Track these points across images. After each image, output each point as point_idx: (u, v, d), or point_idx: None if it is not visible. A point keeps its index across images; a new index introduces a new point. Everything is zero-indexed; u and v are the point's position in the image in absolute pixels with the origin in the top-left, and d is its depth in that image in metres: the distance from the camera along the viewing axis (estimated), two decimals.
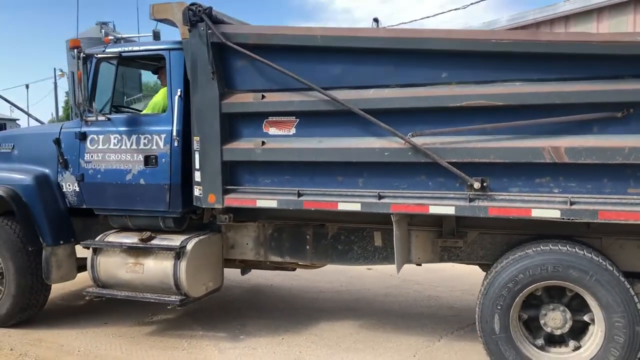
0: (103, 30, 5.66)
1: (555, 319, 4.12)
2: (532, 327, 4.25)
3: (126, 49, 5.36)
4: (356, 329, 5.46)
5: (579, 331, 4.16)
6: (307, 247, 5.24)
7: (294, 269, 6.02)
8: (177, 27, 4.90)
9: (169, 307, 5.13)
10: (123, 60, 5.41)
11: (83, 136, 5.33)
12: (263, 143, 4.63)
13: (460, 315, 5.89)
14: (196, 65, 4.75)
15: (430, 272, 6.97)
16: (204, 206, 4.89)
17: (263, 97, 4.62)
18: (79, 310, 6.16)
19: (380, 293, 6.80)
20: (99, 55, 5.29)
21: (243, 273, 6.11)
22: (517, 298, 4.07)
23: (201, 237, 5.15)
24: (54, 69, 36.20)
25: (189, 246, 4.99)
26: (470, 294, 6.69)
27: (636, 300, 3.84)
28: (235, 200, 4.78)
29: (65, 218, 5.56)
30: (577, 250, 3.96)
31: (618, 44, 3.77)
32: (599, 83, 3.77)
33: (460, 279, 7.08)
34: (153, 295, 5.06)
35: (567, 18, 12.79)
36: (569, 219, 3.88)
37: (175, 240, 5.09)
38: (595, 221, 3.86)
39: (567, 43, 3.87)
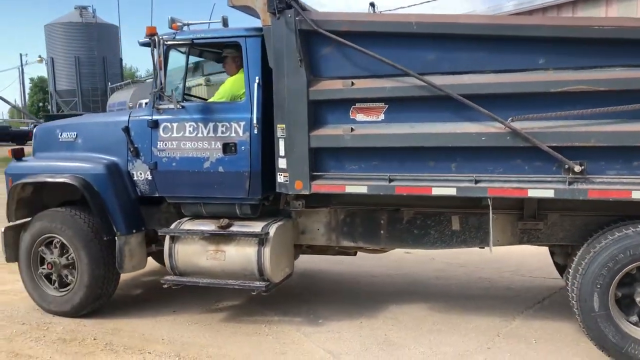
0: (170, 17, 5.54)
1: None
2: (624, 304, 4.40)
3: (199, 35, 5.31)
4: (428, 312, 5.56)
5: None
6: (381, 231, 5.30)
7: (355, 254, 6.07)
8: (247, 14, 4.91)
9: (253, 293, 5.16)
10: (193, 48, 5.36)
11: (155, 124, 5.28)
12: (352, 129, 4.66)
13: (521, 296, 6.04)
14: (281, 53, 4.74)
15: (469, 254, 7.05)
16: (289, 192, 4.91)
17: (352, 84, 4.64)
18: (138, 299, 6.14)
19: (432, 276, 6.91)
20: (170, 42, 5.23)
21: None
22: (617, 277, 4.21)
23: (280, 223, 5.18)
24: (20, 54, 35.26)
25: (272, 232, 5.02)
26: (519, 274, 6.90)
27: None
28: (322, 186, 4.81)
29: (136, 207, 5.53)
30: None
31: None
32: None
33: (500, 260, 7.22)
34: (236, 281, 5.08)
35: (574, 3, 13.00)
36: None
37: (255, 227, 5.11)
38: None
39: None
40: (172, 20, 5.48)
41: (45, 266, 5.55)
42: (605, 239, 4.26)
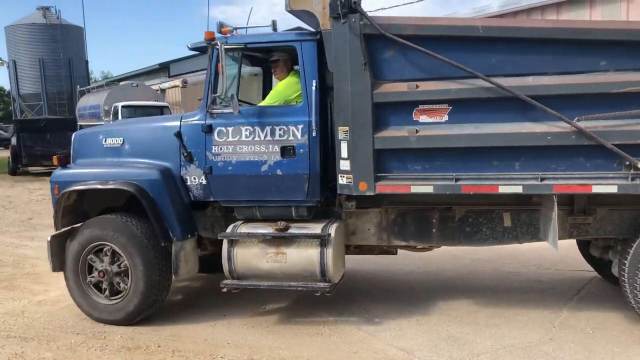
0: (218, 21, 5.54)
1: None
2: None
3: (252, 40, 5.33)
4: (475, 307, 5.72)
5: None
6: (433, 230, 5.44)
7: (397, 253, 6.18)
8: (300, 19, 4.97)
9: (316, 294, 5.20)
10: (245, 52, 5.39)
11: (209, 128, 5.27)
12: (417, 131, 4.78)
13: (556, 288, 6.28)
14: (344, 56, 4.82)
15: (489, 251, 7.27)
16: (353, 194, 4.99)
17: (417, 86, 4.76)
18: (183, 305, 6.09)
19: (463, 272, 7.10)
20: (225, 47, 5.22)
21: None
22: None
23: (337, 224, 5.25)
24: None
25: (332, 233, 5.09)
26: (544, 268, 7.14)
27: None
28: (387, 187, 4.91)
29: (189, 212, 5.51)
30: None
31: None
32: None
33: (522, 255, 7.49)
34: (298, 283, 5.13)
35: (558, 5, 13.46)
36: None
37: (314, 228, 5.17)
38: None
39: None
40: (221, 25, 5.50)
41: (94, 274, 5.46)
42: None
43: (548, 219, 4.87)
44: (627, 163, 4.44)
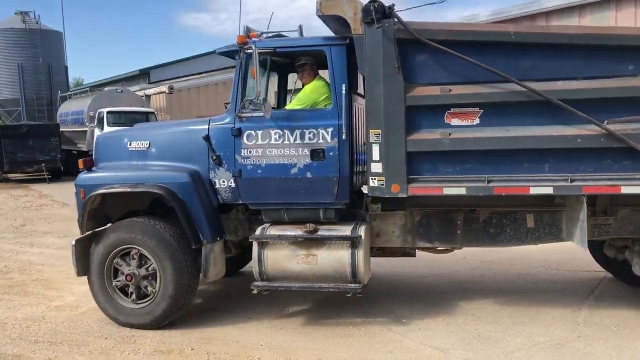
0: (245, 26, 5.57)
1: None
2: None
3: (282, 44, 5.38)
4: (498, 306, 5.83)
5: None
6: (458, 231, 5.54)
7: (415, 255, 6.25)
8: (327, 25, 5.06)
9: (348, 295, 5.23)
10: (273, 57, 5.43)
11: (238, 132, 5.30)
12: (449, 134, 4.88)
13: (570, 288, 6.43)
14: (377, 61, 4.90)
15: (494, 251, 7.40)
16: (386, 196, 5.06)
17: (450, 90, 4.86)
18: (205, 307, 6.06)
19: (475, 274, 7.22)
20: (248, 51, 5.24)
21: None
22: None
23: (365, 226, 5.31)
24: None
25: (362, 234, 5.15)
26: (553, 269, 7.32)
27: None
28: (419, 189, 4.99)
29: (217, 214, 5.52)
30: None
31: None
32: None
33: (527, 257, 7.63)
34: (329, 284, 5.17)
35: (548, 14, 13.74)
36: None
37: (343, 230, 5.23)
38: None
39: None
40: (249, 30, 5.52)
41: (120, 278, 5.42)
42: None
43: (575, 220, 5.00)
44: None
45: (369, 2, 4.88)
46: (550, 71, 4.75)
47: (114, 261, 5.43)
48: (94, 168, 5.66)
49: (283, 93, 6.60)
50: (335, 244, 5.16)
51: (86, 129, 21.73)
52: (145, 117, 21.54)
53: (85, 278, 5.57)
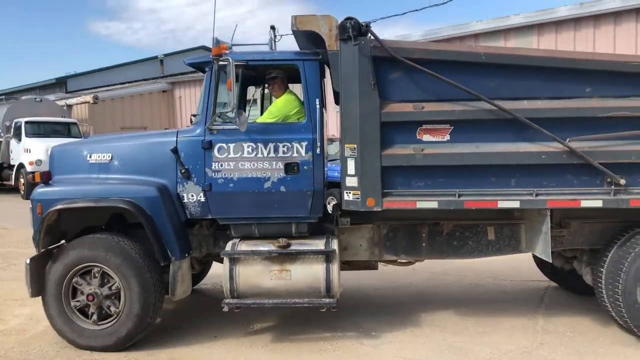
0: (215, 38, 5.46)
1: None
2: None
3: (254, 57, 5.34)
4: (460, 317, 6.01)
5: None
6: (423, 244, 5.69)
7: (377, 268, 6.33)
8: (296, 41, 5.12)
9: (322, 310, 5.22)
10: (244, 69, 5.37)
11: (209, 145, 5.19)
12: (422, 149, 5.02)
13: (520, 297, 6.76)
14: (352, 77, 4.98)
15: (442, 264, 7.66)
16: (361, 209, 5.11)
17: (423, 107, 5.00)
18: (164, 327, 5.83)
19: (429, 285, 7.42)
20: (223, 63, 5.16)
21: None
22: None
23: (336, 240, 5.33)
24: None
25: (336, 248, 5.17)
26: (500, 279, 7.65)
27: None
28: (394, 202, 5.09)
29: (185, 230, 5.35)
30: None
31: None
32: None
33: (473, 269, 7.92)
34: (303, 300, 5.13)
35: (476, 36, 14.52)
36: None
37: (317, 245, 5.23)
38: None
39: None
40: (218, 42, 5.44)
41: (80, 298, 5.12)
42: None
43: (537, 232, 5.27)
44: (609, 180, 4.95)
45: (345, 19, 4.95)
46: (517, 91, 5.01)
47: (73, 280, 5.13)
48: (50, 182, 5.33)
49: (243, 105, 6.53)
50: (309, 258, 5.14)
51: (1, 139, 20.39)
52: (67, 128, 20.55)
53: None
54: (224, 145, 5.19)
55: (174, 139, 5.27)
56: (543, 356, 4.96)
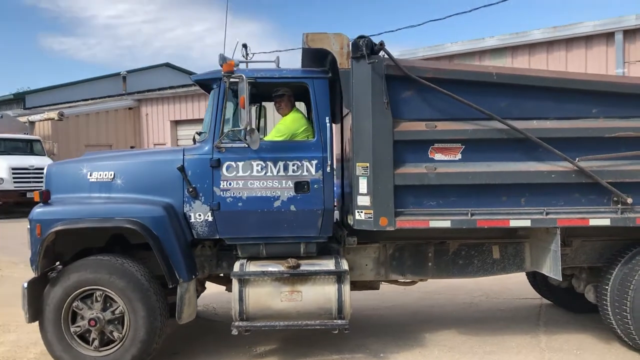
0: (221, 54, 5.36)
1: None
2: None
3: (263, 75, 5.25)
4: (463, 337, 5.98)
5: None
6: (429, 263, 5.67)
7: (379, 288, 6.27)
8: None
9: (335, 332, 5.11)
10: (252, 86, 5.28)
11: (217, 163, 5.06)
12: (435, 168, 5.01)
13: (517, 315, 6.81)
14: (364, 95, 4.95)
15: (432, 283, 7.57)
16: (374, 229, 5.05)
17: (435, 126, 5.01)
18: (164, 353, 5.61)
19: (424, 304, 7.40)
20: (233, 80, 5.05)
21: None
22: None
23: (344, 260, 5.26)
24: None
25: (347, 268, 5.09)
26: (492, 297, 7.70)
27: None
28: (407, 222, 5.05)
29: (191, 251, 5.18)
30: None
31: None
32: None
33: (466, 286, 7.94)
34: (314, 321, 5.02)
35: (451, 57, 14.77)
36: None
37: (326, 265, 5.15)
38: None
39: None
40: (225, 59, 5.35)
41: (80, 323, 4.88)
42: None
43: (545, 251, 5.31)
44: (616, 199, 5.04)
45: (358, 37, 4.94)
46: (526, 111, 5.07)
47: (74, 304, 4.89)
48: (49, 201, 5.08)
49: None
50: (321, 279, 5.04)
51: None
52: (29, 145, 19.92)
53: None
54: (233, 163, 5.07)
55: (181, 157, 5.12)
56: None
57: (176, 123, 22.85)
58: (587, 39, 12.23)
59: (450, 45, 14.49)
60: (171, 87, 22.93)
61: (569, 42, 12.48)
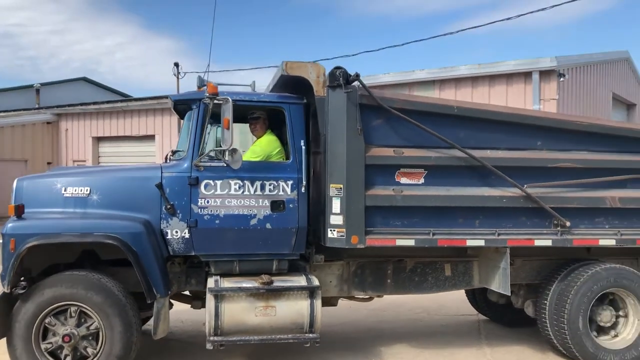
0: (199, 76, 5.53)
1: (605, 315, 5.91)
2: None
3: (241, 97, 5.47)
4: (417, 350, 6.38)
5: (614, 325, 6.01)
6: (388, 280, 6.07)
7: (336, 305, 6.58)
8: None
9: (306, 345, 5.33)
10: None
11: (195, 181, 5.22)
12: (402, 191, 5.44)
13: (460, 330, 7.33)
14: (339, 121, 5.31)
15: (375, 301, 8.01)
16: (345, 246, 5.36)
17: (403, 152, 5.45)
18: None
19: (373, 321, 7.76)
20: (212, 102, 5.23)
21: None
22: (591, 303, 5.75)
23: (314, 276, 5.54)
24: None
25: (319, 284, 5.37)
26: (433, 314, 8.20)
27: None
28: (376, 240, 5.42)
29: (166, 267, 5.26)
30: (625, 267, 5.87)
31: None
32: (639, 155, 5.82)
33: (406, 303, 8.42)
34: (287, 335, 5.23)
35: (383, 87, 15.51)
36: (620, 246, 5.78)
37: (298, 281, 5.40)
38: (634, 246, 5.84)
39: (622, 129, 5.84)
40: (202, 81, 5.55)
41: (52, 339, 4.83)
42: (582, 275, 5.77)
43: (495, 268, 5.85)
44: (556, 222, 5.68)
45: (335, 68, 5.31)
46: (481, 141, 5.62)
47: (46, 320, 4.83)
48: (23, 216, 5.00)
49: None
50: (294, 294, 5.27)
51: None
52: None
53: None
54: (211, 182, 5.24)
55: (159, 174, 5.22)
56: None
57: (98, 139, 22.15)
58: (508, 77, 13.32)
59: (382, 76, 15.22)
60: (95, 103, 22.22)
61: (492, 78, 13.53)
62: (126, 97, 30.00)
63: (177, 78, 18.28)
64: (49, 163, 22.94)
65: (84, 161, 22.22)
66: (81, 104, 22.85)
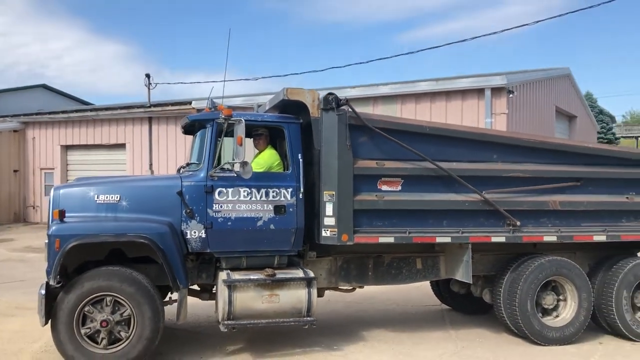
0: (211, 99, 6.46)
1: (549, 299, 7.11)
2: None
3: (251, 118, 6.43)
4: (394, 334, 7.43)
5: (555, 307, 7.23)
6: (369, 273, 7.12)
7: (323, 295, 7.58)
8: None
9: (305, 327, 6.31)
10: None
11: (211, 189, 6.14)
12: (383, 197, 6.50)
13: (426, 318, 8.44)
14: (331, 139, 6.34)
15: (350, 294, 9.02)
16: (337, 244, 6.37)
17: (384, 164, 6.51)
18: None
19: (351, 311, 8.78)
20: (227, 122, 6.15)
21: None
22: (538, 288, 6.94)
23: (309, 270, 6.53)
24: None
25: (314, 276, 6.36)
26: (402, 305, 9.29)
27: (590, 284, 7.13)
28: (362, 238, 6.45)
29: (185, 262, 6.15)
30: (565, 258, 7.10)
31: (577, 147, 7.17)
32: (575, 166, 7.07)
33: (376, 296, 9.49)
34: (288, 319, 6.20)
35: (348, 100, 16.57)
36: (560, 241, 7.00)
37: (297, 273, 6.37)
38: (571, 242, 7.08)
39: (562, 145, 7.08)
40: (214, 103, 6.50)
41: (90, 325, 5.65)
42: (529, 266, 6.95)
43: (459, 262, 6.97)
44: (509, 222, 6.85)
45: (328, 94, 6.35)
46: (448, 155, 6.74)
47: (85, 309, 5.64)
48: (65, 219, 5.79)
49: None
50: (295, 284, 6.24)
51: None
52: None
53: None
54: (224, 189, 6.18)
55: (179, 183, 6.12)
56: (469, 355, 6.59)
57: (67, 148, 22.48)
58: (463, 93, 14.62)
59: (349, 90, 16.27)
60: (64, 112, 22.52)
61: (449, 94, 14.80)
62: (86, 104, 30.24)
63: (149, 88, 18.90)
64: (15, 171, 23.13)
65: (52, 169, 22.50)
66: (49, 113, 23.12)
